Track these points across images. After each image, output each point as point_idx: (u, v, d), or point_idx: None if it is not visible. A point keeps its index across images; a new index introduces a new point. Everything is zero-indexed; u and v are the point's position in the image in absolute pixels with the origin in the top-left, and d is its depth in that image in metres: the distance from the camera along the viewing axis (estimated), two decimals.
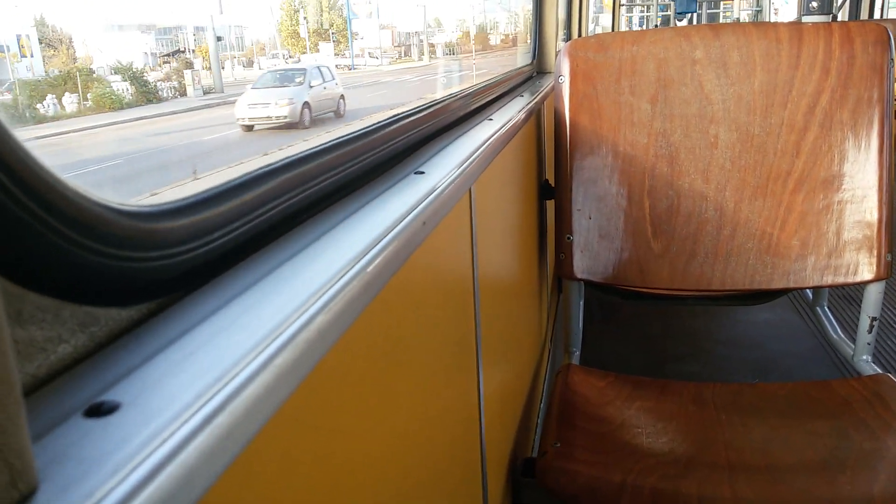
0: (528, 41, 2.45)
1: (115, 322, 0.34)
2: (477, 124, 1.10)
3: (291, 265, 0.43)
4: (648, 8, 11.76)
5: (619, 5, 7.12)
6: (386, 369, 0.56)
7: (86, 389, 0.29)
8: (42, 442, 0.26)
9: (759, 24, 1.56)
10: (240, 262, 0.43)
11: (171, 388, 0.29)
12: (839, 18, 7.01)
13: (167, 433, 0.26)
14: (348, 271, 0.43)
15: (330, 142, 0.60)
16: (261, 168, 0.48)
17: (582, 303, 1.69)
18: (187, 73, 3.33)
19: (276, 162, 0.50)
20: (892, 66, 1.43)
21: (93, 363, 0.32)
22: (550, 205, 1.63)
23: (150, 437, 0.26)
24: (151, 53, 3.47)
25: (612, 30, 6.56)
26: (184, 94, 3.30)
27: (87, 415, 0.27)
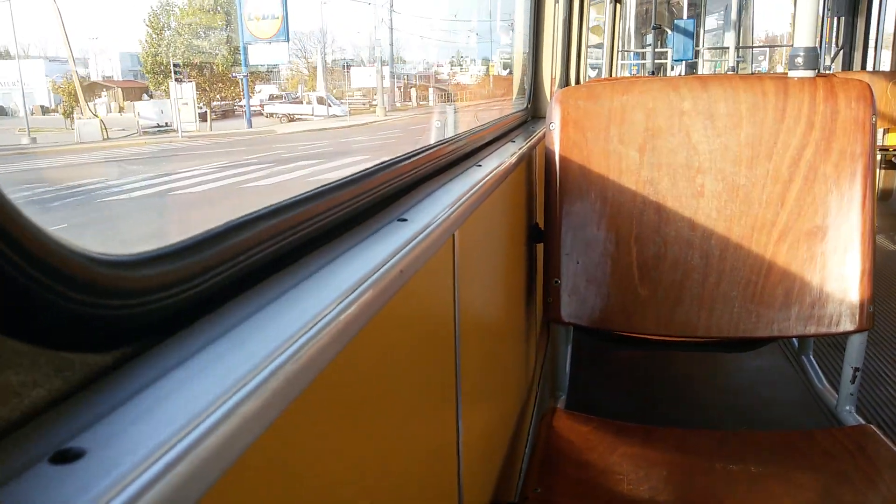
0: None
1: (89, 367, 0.36)
2: (466, 170, 1.12)
3: (265, 314, 0.44)
4: (644, 56, 11.97)
5: (617, 52, 7.26)
6: (358, 415, 0.57)
7: (54, 435, 0.30)
8: (7, 488, 0.27)
9: (745, 76, 1.60)
10: (215, 309, 0.45)
11: (137, 436, 0.30)
12: (832, 69, 7.13)
13: (127, 481, 0.27)
14: (320, 320, 0.44)
15: (313, 190, 0.62)
16: (241, 217, 0.50)
17: (570, 347, 1.70)
18: None
19: (257, 211, 0.52)
20: (875, 121, 1.47)
21: (64, 409, 0.33)
22: (540, 248, 1.64)
23: (111, 485, 0.27)
24: None
25: (610, 75, 6.67)
26: None
27: (52, 461, 0.29)
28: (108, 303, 0.36)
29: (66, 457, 0.29)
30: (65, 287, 0.33)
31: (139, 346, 0.39)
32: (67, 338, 0.34)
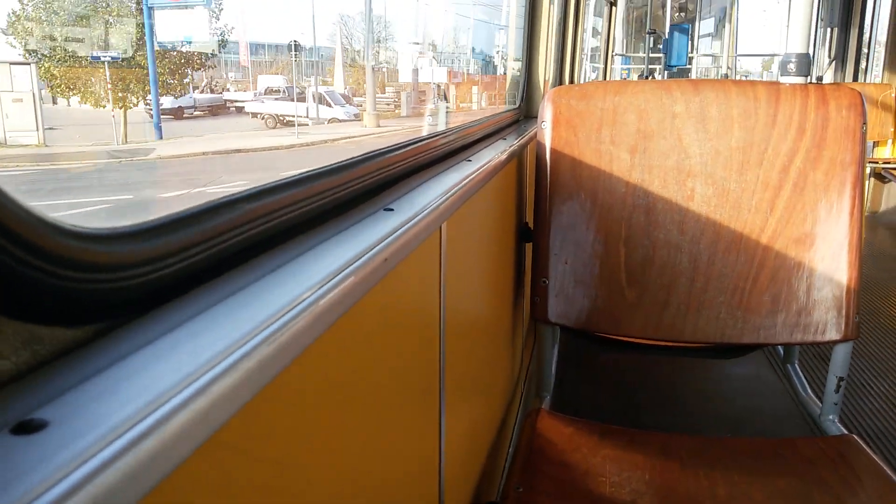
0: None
1: (58, 341, 0.35)
2: (455, 164, 1.12)
3: (241, 296, 0.43)
4: (634, 61, 12.00)
5: (612, 56, 7.27)
6: (335, 405, 0.56)
7: (17, 407, 0.30)
8: None
9: (738, 81, 1.60)
10: (191, 289, 0.44)
11: (102, 410, 0.30)
12: (825, 80, 7.17)
13: (89, 454, 0.26)
14: (299, 304, 0.43)
15: (296, 176, 0.61)
16: (221, 199, 0.49)
17: (556, 348, 1.69)
18: None
19: (237, 193, 0.51)
20: (865, 130, 1.47)
21: (29, 381, 0.32)
22: (529, 247, 1.64)
23: (72, 457, 0.26)
24: None
25: (604, 78, 6.68)
26: None
27: (13, 432, 0.28)
28: (82, 276, 0.35)
29: (28, 428, 0.28)
30: (36, 259, 0.32)
31: (111, 322, 0.38)
32: (37, 311, 0.34)
